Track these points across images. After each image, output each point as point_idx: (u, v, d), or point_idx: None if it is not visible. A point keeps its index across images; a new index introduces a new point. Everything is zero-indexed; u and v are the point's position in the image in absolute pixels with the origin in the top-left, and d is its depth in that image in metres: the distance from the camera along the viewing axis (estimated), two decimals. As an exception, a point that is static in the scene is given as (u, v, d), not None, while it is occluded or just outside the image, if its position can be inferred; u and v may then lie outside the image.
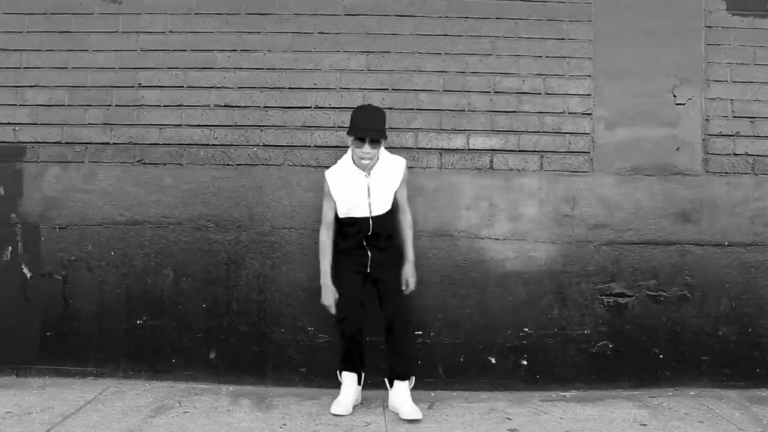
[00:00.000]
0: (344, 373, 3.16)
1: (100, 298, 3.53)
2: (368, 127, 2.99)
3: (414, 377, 3.17)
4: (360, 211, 3.09)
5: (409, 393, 3.09)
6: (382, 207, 3.11)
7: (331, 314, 3.08)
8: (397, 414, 3.03)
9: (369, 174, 3.07)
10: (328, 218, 3.15)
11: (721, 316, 3.51)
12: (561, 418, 3.07)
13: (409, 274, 3.15)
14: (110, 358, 3.52)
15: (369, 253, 3.11)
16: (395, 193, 3.15)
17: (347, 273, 3.13)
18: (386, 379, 3.17)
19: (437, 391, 3.41)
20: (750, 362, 3.51)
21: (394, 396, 3.09)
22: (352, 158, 3.08)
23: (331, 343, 3.48)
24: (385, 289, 3.11)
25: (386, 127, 3.11)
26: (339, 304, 3.11)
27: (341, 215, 3.12)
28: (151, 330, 3.52)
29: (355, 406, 3.12)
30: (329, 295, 3.10)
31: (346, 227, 3.13)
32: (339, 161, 3.17)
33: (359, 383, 3.18)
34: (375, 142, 3.00)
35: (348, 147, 3.14)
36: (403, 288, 3.14)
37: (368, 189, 3.07)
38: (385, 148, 3.17)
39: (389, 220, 3.15)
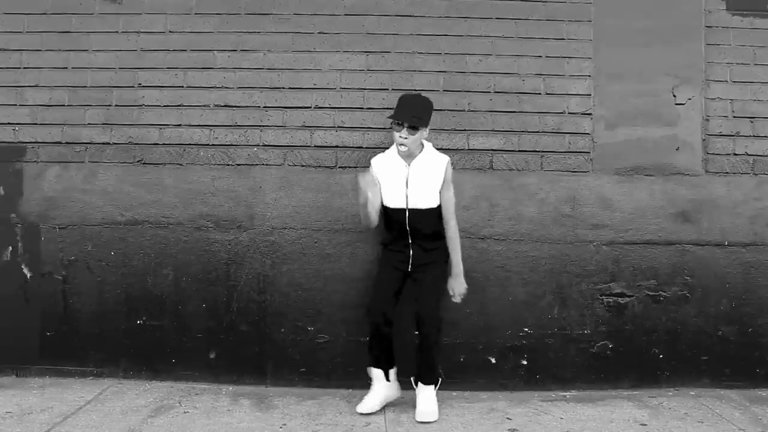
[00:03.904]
0: (373, 370, 3.14)
1: (100, 298, 3.53)
2: (404, 112, 3.02)
3: (440, 380, 3.17)
4: (397, 202, 3.11)
5: (434, 394, 3.10)
6: (420, 201, 3.10)
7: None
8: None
9: (409, 165, 3.09)
10: (376, 203, 3.11)
11: (721, 316, 3.51)
12: (561, 418, 3.07)
13: (455, 285, 3.15)
14: (110, 358, 3.52)
15: (411, 251, 3.12)
16: (440, 193, 3.12)
17: (386, 266, 3.18)
18: (412, 379, 3.19)
19: (437, 391, 3.40)
20: (750, 362, 3.51)
21: (417, 395, 3.12)
22: (397, 149, 3.10)
23: (331, 343, 3.48)
24: (421, 289, 3.10)
25: (429, 116, 3.10)
26: (371, 295, 3.15)
27: (384, 202, 3.14)
28: (151, 330, 3.52)
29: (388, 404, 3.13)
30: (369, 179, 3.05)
31: (387, 217, 3.16)
32: (386, 151, 3.21)
33: (387, 379, 3.14)
34: (412, 129, 3.01)
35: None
36: (453, 298, 3.16)
37: (407, 180, 3.09)
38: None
39: (431, 218, 3.12)
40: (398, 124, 3.02)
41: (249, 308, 3.51)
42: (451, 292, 3.16)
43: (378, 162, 3.18)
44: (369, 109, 3.52)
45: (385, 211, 3.16)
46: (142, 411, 3.06)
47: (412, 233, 3.11)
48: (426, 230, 3.11)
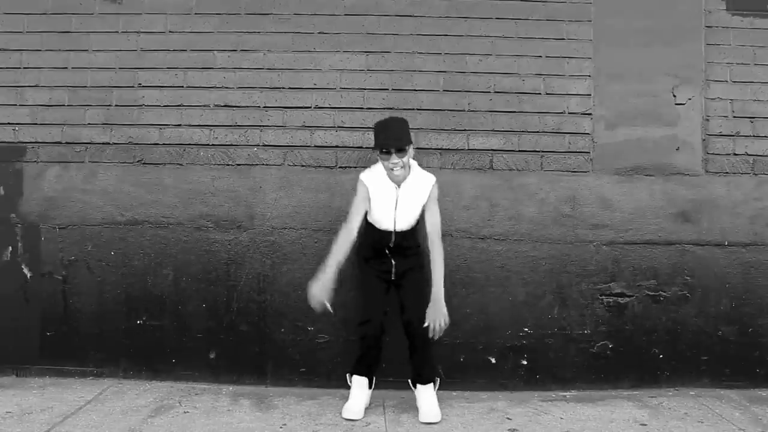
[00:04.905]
0: (355, 377, 3.13)
1: (100, 298, 3.53)
2: (390, 137, 2.96)
3: (439, 379, 3.18)
4: (385, 224, 3.07)
5: (434, 394, 3.10)
6: (406, 222, 3.08)
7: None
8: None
9: (399, 188, 3.05)
10: (358, 219, 3.04)
11: (721, 316, 3.51)
12: (561, 418, 3.07)
13: (435, 313, 2.93)
14: (110, 358, 3.52)
15: (393, 260, 3.09)
16: (423, 213, 3.08)
17: (371, 278, 3.11)
18: (410, 381, 3.18)
19: (437, 391, 3.40)
20: (750, 362, 3.51)
21: (417, 398, 3.11)
22: (388, 175, 3.05)
23: (331, 343, 3.48)
24: (406, 294, 3.08)
25: (409, 133, 3.03)
26: (363, 307, 3.09)
27: (370, 220, 3.11)
28: (151, 330, 3.52)
29: (366, 409, 3.10)
30: (322, 292, 2.90)
31: (372, 235, 3.12)
32: (373, 167, 3.11)
33: (370, 387, 3.15)
34: (401, 151, 2.95)
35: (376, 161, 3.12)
36: (430, 334, 2.94)
37: (396, 201, 3.05)
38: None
39: (413, 235, 3.11)
40: (385, 155, 2.95)
41: (249, 308, 3.51)
42: (429, 322, 2.93)
43: (369, 180, 3.06)
44: (369, 109, 3.52)
45: (371, 230, 3.12)
46: (142, 411, 3.06)
47: (395, 248, 3.09)
48: (407, 244, 3.11)
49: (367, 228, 3.14)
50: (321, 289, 2.93)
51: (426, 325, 2.94)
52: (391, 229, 3.07)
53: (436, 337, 2.96)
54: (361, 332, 3.06)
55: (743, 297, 3.52)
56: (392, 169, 2.97)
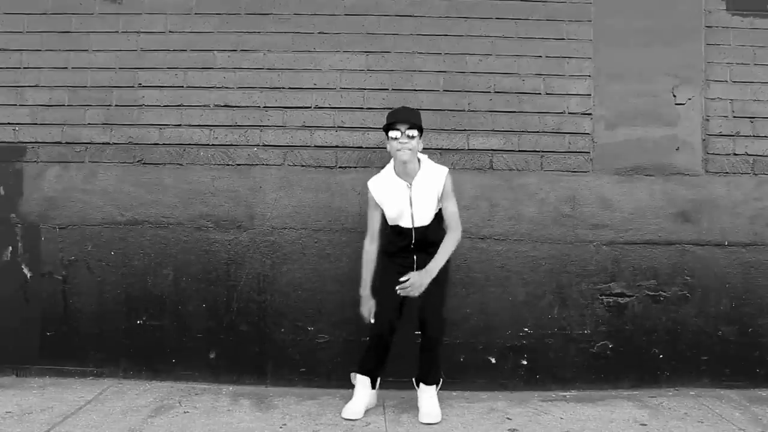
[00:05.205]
0: (359, 376, 3.12)
1: (100, 298, 3.53)
2: (399, 116, 2.98)
3: (441, 380, 3.17)
4: (403, 222, 3.06)
5: (435, 395, 3.09)
6: (424, 218, 3.05)
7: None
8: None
9: (411, 184, 3.03)
10: (374, 229, 3.11)
11: (721, 316, 3.51)
12: (561, 418, 3.07)
13: (417, 277, 2.94)
14: (110, 358, 3.53)
15: (415, 256, 3.08)
16: (440, 204, 3.07)
17: (391, 273, 3.08)
18: (414, 379, 3.18)
19: (438, 391, 3.40)
20: (750, 362, 3.51)
21: (419, 397, 3.11)
22: (394, 168, 3.05)
23: (331, 343, 3.49)
24: (423, 293, 3.01)
25: (420, 120, 3.03)
26: (377, 305, 3.07)
27: (390, 222, 3.11)
28: (151, 330, 3.52)
29: (367, 410, 3.09)
30: (366, 306, 3.10)
31: (392, 235, 3.12)
32: (381, 171, 3.12)
33: (373, 387, 3.14)
34: (410, 137, 2.95)
35: (385, 164, 3.13)
36: (405, 284, 2.94)
37: (410, 199, 3.03)
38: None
39: (435, 229, 3.07)
40: (394, 138, 2.95)
41: (249, 308, 3.52)
42: (407, 278, 2.95)
43: (376, 185, 3.07)
44: (369, 109, 3.53)
45: (392, 229, 3.11)
46: (142, 411, 3.06)
47: (417, 244, 3.07)
48: (430, 238, 3.06)
49: (389, 228, 3.14)
50: (365, 307, 3.11)
51: (403, 280, 2.95)
52: (410, 226, 3.05)
53: (401, 295, 2.98)
54: (372, 328, 3.05)
55: (743, 297, 3.52)
56: (399, 150, 2.95)
